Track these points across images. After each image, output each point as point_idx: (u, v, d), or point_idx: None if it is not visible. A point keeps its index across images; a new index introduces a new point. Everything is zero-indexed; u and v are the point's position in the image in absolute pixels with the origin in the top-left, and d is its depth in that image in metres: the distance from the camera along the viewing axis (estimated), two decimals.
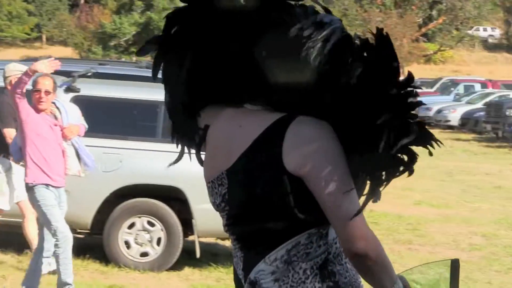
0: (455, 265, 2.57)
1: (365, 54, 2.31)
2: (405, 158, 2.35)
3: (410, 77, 2.32)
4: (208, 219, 7.77)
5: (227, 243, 9.15)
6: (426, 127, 2.37)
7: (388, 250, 9.23)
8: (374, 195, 2.38)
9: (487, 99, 30.70)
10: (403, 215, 11.48)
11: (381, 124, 2.28)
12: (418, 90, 2.39)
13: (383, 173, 2.38)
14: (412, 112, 2.33)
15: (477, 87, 36.45)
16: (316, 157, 2.34)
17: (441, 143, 2.42)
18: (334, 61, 2.31)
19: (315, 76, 2.33)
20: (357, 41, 2.34)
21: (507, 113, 25.92)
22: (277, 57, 2.37)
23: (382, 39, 2.29)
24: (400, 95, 2.31)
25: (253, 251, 2.44)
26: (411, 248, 9.34)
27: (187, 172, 7.63)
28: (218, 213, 2.55)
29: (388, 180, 2.37)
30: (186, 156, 2.67)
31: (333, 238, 2.43)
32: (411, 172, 2.40)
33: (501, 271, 8.45)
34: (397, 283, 2.35)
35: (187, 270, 8.11)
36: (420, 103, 2.37)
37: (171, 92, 2.60)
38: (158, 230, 8.05)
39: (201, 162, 2.62)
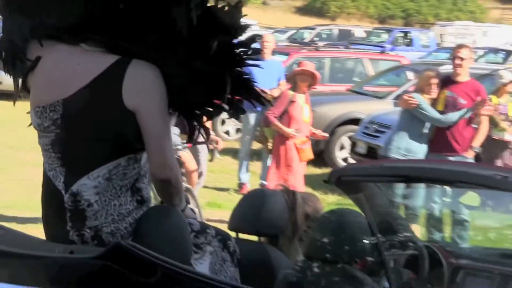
0: None
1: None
2: (228, 108, 2.97)
3: (252, 38, 2.88)
4: None
5: None
6: (254, 85, 2.97)
7: None
8: (195, 135, 3.08)
9: None
10: None
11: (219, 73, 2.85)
12: None
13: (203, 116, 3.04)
14: (244, 69, 2.92)
15: None
16: (152, 96, 2.77)
17: (268, 101, 2.99)
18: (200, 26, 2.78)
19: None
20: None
21: None
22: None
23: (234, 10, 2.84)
24: (238, 53, 2.87)
25: (77, 168, 2.80)
26: None
27: None
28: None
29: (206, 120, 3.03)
30: None
31: (143, 163, 2.89)
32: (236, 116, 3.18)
33: None
34: (183, 201, 2.99)
35: None
36: (255, 65, 2.92)
37: (16, 25, 2.87)
38: None
39: (26, 88, 2.93)
